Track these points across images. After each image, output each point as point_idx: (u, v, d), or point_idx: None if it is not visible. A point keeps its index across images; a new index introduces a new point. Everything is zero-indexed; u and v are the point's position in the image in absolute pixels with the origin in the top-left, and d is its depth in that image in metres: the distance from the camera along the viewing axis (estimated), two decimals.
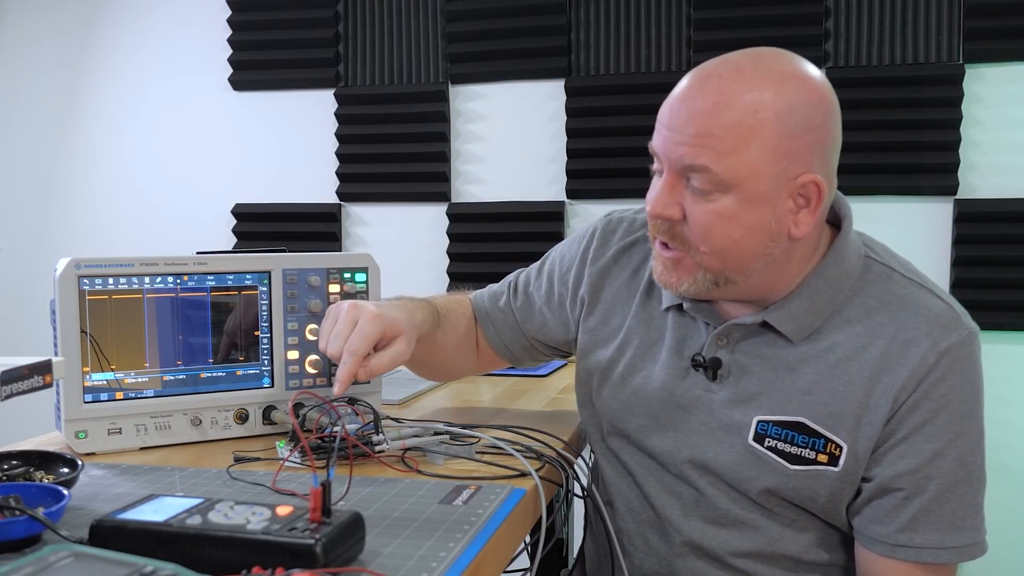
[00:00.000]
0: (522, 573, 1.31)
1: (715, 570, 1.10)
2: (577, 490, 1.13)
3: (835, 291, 1.04)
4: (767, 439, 1.04)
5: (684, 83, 1.00)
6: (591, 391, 1.22)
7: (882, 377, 1.00)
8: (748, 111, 0.94)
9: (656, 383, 1.13)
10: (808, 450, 1.02)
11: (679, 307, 1.13)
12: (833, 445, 1.01)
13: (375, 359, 1.11)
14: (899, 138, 2.38)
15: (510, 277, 1.38)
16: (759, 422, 1.04)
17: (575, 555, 1.32)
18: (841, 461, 1.01)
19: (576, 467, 1.15)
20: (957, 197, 2.36)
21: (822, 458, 1.01)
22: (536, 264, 1.35)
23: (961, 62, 2.34)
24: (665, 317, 1.15)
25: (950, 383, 0.99)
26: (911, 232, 2.38)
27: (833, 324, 1.04)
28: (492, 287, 1.38)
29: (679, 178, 1.00)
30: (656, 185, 1.03)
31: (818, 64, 2.41)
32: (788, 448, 1.03)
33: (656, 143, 1.02)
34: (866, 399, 1.00)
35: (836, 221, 1.09)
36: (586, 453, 1.30)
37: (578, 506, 1.26)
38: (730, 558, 1.09)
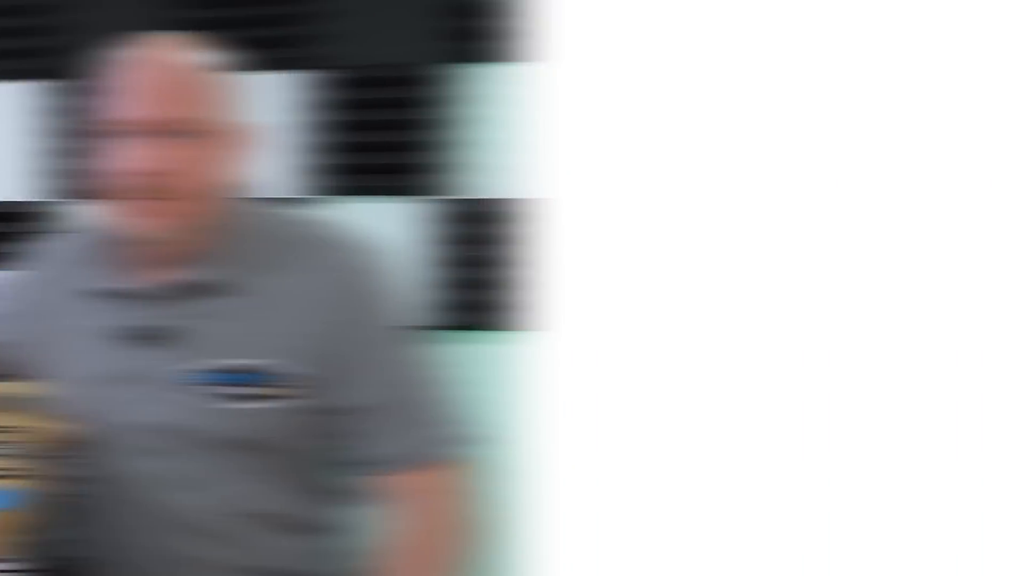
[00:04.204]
0: None
1: (202, 542, 1.14)
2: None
3: (238, 244, 1.19)
4: (213, 387, 1.14)
5: (132, 65, 1.13)
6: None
7: (300, 304, 1.15)
8: (190, 69, 1.13)
9: (95, 371, 1.17)
10: (253, 388, 1.14)
11: (98, 292, 1.18)
12: (275, 378, 1.14)
13: None
14: (387, 139, 2.29)
15: None
16: (201, 372, 1.13)
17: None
18: (285, 391, 1.13)
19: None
20: (440, 197, 2.31)
21: (268, 391, 1.13)
22: None
23: (442, 64, 2.23)
24: (85, 309, 1.20)
25: (363, 293, 1.15)
26: (393, 233, 2.17)
27: (248, 274, 1.18)
28: None
29: (151, 136, 1.12)
30: (133, 147, 1.11)
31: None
32: (234, 391, 1.14)
33: (122, 110, 1.13)
34: (292, 327, 1.14)
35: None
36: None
37: None
38: (211, 522, 1.15)
